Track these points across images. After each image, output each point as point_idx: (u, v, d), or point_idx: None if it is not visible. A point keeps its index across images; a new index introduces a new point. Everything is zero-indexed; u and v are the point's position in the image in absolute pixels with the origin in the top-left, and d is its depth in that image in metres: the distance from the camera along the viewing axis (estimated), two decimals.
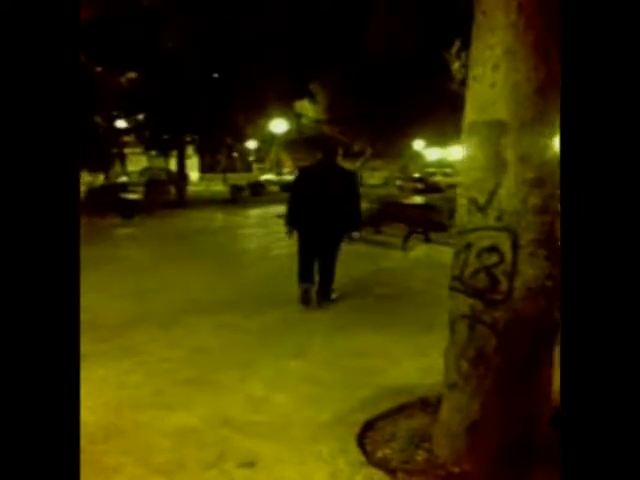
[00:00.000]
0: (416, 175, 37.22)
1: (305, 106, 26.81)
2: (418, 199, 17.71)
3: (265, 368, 4.18)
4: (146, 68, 19.13)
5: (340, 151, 22.58)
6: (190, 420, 3.30)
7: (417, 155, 43.13)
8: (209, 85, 19.89)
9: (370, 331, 5.08)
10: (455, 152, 43.80)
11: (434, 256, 9.46)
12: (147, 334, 4.96)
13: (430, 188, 30.53)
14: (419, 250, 9.98)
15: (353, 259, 9.00)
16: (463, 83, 12.03)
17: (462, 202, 2.89)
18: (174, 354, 4.46)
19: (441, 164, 44.82)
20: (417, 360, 4.36)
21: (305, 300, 5.96)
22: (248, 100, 20.82)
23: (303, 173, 6.47)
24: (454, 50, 17.87)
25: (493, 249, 2.74)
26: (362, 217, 6.58)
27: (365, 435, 3.19)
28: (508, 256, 2.70)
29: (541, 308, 2.69)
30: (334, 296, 6.22)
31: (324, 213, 5.81)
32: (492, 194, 2.73)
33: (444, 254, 9.65)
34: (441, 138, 35.37)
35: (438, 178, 36.33)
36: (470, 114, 2.84)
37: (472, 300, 2.80)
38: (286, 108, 26.26)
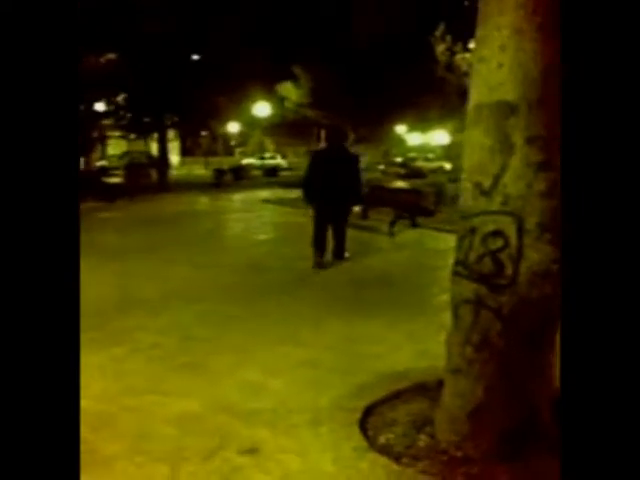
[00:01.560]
0: (398, 160, 37.25)
1: (288, 89, 26.50)
2: (402, 184, 17.71)
3: (260, 353, 4.15)
4: (125, 49, 18.73)
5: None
6: (190, 406, 3.25)
7: (399, 140, 43.10)
8: (190, 66, 19.57)
9: (364, 316, 5.06)
10: (437, 137, 43.96)
11: (421, 241, 9.50)
12: (136, 321, 4.88)
13: (413, 173, 30.61)
14: (406, 235, 9.99)
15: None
16: (448, 67, 11.98)
17: (466, 186, 2.86)
18: (166, 341, 4.40)
19: (423, 149, 44.95)
20: (412, 345, 4.35)
21: (320, 264, 7.03)
22: (229, 82, 20.55)
23: (316, 155, 7.65)
24: (438, 33, 17.88)
25: (498, 233, 2.72)
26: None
27: (366, 420, 3.17)
28: (513, 240, 2.68)
29: (546, 293, 2.67)
30: (347, 255, 7.43)
31: (334, 188, 6.82)
32: (497, 178, 2.71)
33: (431, 239, 9.71)
34: (423, 123, 35.34)
35: (420, 163, 36.45)
36: (476, 96, 2.80)
37: (476, 285, 2.78)
38: (269, 91, 26.01)
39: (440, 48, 17.45)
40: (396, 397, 3.47)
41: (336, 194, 6.87)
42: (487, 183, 2.73)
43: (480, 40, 2.79)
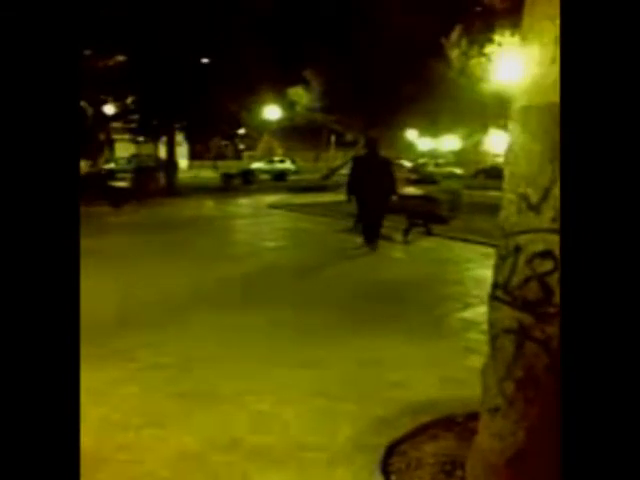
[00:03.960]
0: (409, 164, 36.82)
1: (299, 93, 26.21)
2: (414, 190, 17.32)
3: (269, 377, 3.78)
4: (135, 51, 18.49)
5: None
6: (190, 443, 2.90)
7: (409, 145, 42.73)
8: (199, 69, 19.30)
9: (380, 335, 4.69)
10: (447, 142, 43.58)
11: (436, 250, 9.12)
12: (138, 337, 4.54)
13: (424, 179, 30.18)
14: (421, 244, 9.62)
15: (353, 253, 8.64)
16: (461, 72, 11.56)
17: (510, 198, 2.50)
18: (169, 361, 4.05)
19: (433, 154, 44.54)
20: (433, 370, 3.98)
21: (372, 248, 8.78)
22: (239, 86, 20.27)
23: (357, 160, 9.89)
24: (454, 37, 17.50)
25: (547, 254, 2.35)
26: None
27: (388, 462, 2.81)
28: None
29: None
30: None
31: (372, 187, 8.64)
32: (547, 190, 2.34)
33: (447, 248, 9.34)
34: (434, 128, 34.97)
35: (430, 169, 36.03)
36: (523, 96, 2.44)
37: (520, 313, 2.42)
38: (279, 95, 25.70)
39: (454, 52, 17.06)
40: (420, 432, 3.11)
41: (372, 191, 8.62)
42: (536, 196, 2.37)
43: (527, 33, 2.43)
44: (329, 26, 22.77)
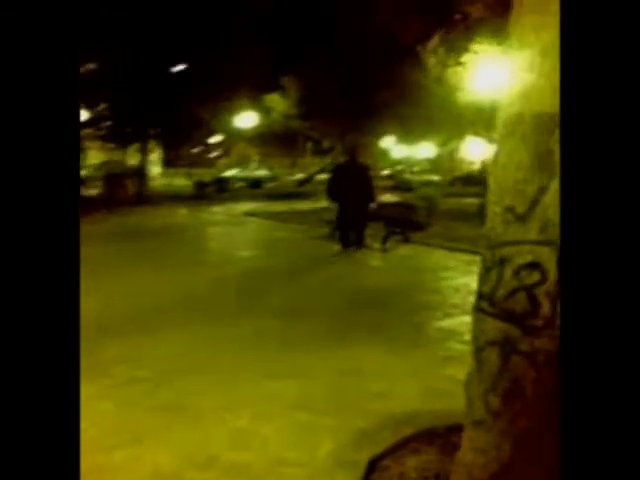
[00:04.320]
0: (385, 172, 37.00)
1: (275, 100, 26.12)
2: (391, 197, 17.37)
3: (248, 391, 3.68)
4: (107, 58, 18.17)
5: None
6: (166, 461, 2.79)
7: (384, 152, 42.94)
8: (174, 76, 19.09)
9: (360, 344, 4.63)
10: (423, 150, 43.93)
11: (414, 257, 9.11)
12: (113, 349, 4.39)
13: (401, 186, 30.36)
14: (399, 251, 9.60)
15: (332, 261, 8.59)
16: (438, 80, 11.66)
17: (495, 209, 2.45)
18: (145, 375, 3.92)
19: (409, 162, 44.87)
20: (414, 380, 3.93)
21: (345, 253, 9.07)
22: (216, 93, 20.11)
23: (337, 167, 10.20)
24: (431, 45, 17.64)
25: (534, 266, 2.31)
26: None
27: (369, 478, 2.74)
28: (552, 275, 2.27)
29: None
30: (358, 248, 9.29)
31: (352, 192, 9.06)
32: (535, 201, 2.31)
33: (425, 255, 9.35)
34: (410, 135, 35.20)
35: (407, 175, 36.25)
36: (509, 107, 2.41)
37: (506, 325, 2.37)
38: (255, 102, 25.60)
39: (432, 61, 17.19)
40: (402, 446, 3.04)
41: (352, 197, 9.07)
42: (522, 207, 2.33)
43: (516, 42, 2.40)
44: (306, 33, 22.79)
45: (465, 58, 16.12)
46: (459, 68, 16.38)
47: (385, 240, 9.94)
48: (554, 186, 2.25)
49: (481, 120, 21.76)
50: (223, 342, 4.64)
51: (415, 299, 6.27)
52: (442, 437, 3.10)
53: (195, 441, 3.01)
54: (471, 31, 16.01)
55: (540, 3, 2.28)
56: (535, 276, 2.30)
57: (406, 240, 10.38)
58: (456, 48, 16.35)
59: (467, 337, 4.88)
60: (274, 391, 3.68)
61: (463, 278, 7.41)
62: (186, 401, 3.51)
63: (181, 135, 22.59)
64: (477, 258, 8.75)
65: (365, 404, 3.49)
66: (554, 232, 2.27)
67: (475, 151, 40.83)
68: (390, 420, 3.28)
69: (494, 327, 2.42)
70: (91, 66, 19.13)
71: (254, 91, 24.51)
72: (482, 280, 2.52)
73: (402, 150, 45.03)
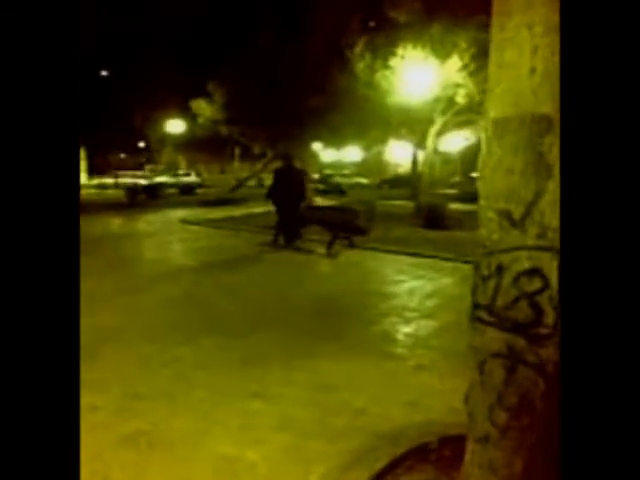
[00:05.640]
0: (316, 176, 37.08)
1: (202, 106, 25.50)
2: (327, 201, 17.34)
3: (225, 414, 3.43)
4: None
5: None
6: None
7: (314, 156, 43.03)
8: (101, 82, 18.31)
9: (326, 356, 4.47)
10: (350, 153, 44.42)
11: (362, 262, 9.06)
12: None
13: (332, 189, 30.51)
14: (346, 256, 9.52)
15: (281, 269, 8.38)
16: (368, 84, 11.71)
17: (488, 215, 2.37)
18: (106, 401, 3.59)
19: (337, 165, 45.24)
20: (392, 392, 3.82)
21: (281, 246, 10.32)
22: (141, 99, 19.48)
23: (277, 171, 11.05)
24: (358, 50, 17.76)
25: (534, 272, 2.24)
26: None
27: None
28: (554, 280, 2.21)
29: None
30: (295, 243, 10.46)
31: (289, 193, 10.42)
32: (531, 205, 2.24)
33: (372, 260, 9.32)
34: (338, 139, 35.39)
35: (337, 179, 36.52)
36: (497, 109, 2.32)
37: (509, 335, 2.29)
38: (182, 108, 24.95)
39: (361, 65, 17.30)
40: (396, 466, 2.92)
41: (288, 197, 10.39)
42: (518, 212, 2.26)
43: (499, 42, 2.32)
44: (231, 36, 22.44)
45: (392, 62, 16.33)
46: (388, 72, 16.56)
47: (330, 245, 9.85)
48: (550, 189, 2.20)
49: (407, 123, 22.21)
50: (184, 362, 4.35)
51: (374, 305, 6.18)
52: (434, 452, 3.00)
53: (171, 474, 2.75)
54: (395, 35, 16.26)
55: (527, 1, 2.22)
56: (536, 283, 2.24)
57: (351, 245, 10.33)
58: (382, 53, 16.54)
59: (433, 342, 4.89)
60: (251, 412, 3.46)
61: (415, 281, 7.41)
62: (156, 428, 3.23)
63: (110, 141, 21.68)
64: (424, 260, 8.86)
65: (349, 422, 3.34)
66: (554, 236, 2.21)
67: (400, 154, 41.68)
68: (378, 438, 3.15)
69: (496, 338, 2.33)
70: None
71: (181, 96, 23.93)
72: (478, 289, 2.43)
73: (330, 154, 45.32)
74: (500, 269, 2.32)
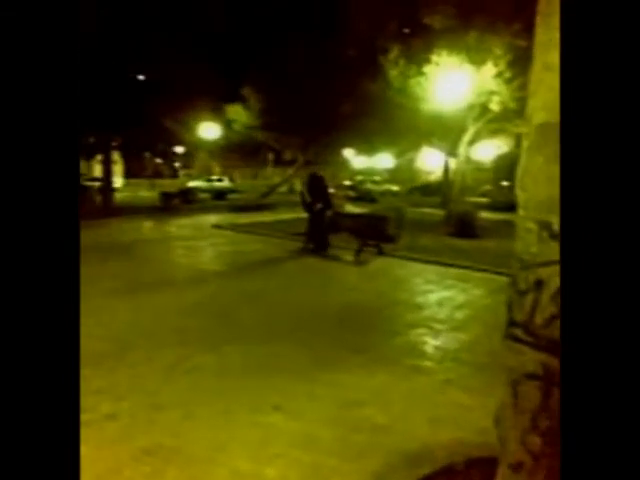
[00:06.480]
0: (347, 183, 36.98)
1: (237, 111, 25.68)
2: (357, 208, 17.20)
3: (243, 428, 3.34)
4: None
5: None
6: None
7: (345, 163, 42.99)
8: (137, 86, 18.57)
9: (351, 369, 4.34)
10: (382, 160, 44.17)
11: (391, 271, 8.90)
12: (88, 380, 3.97)
13: (363, 196, 30.35)
14: (374, 264, 9.37)
15: (307, 275, 8.29)
16: (401, 91, 11.56)
17: (528, 226, 2.22)
18: (126, 409, 3.53)
19: (369, 172, 45.05)
20: (417, 408, 3.67)
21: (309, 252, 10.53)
22: (176, 103, 19.68)
23: (308, 179, 11.17)
24: (392, 56, 17.62)
25: None
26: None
27: None
28: None
29: None
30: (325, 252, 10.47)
31: (314, 201, 10.68)
32: None
33: (402, 268, 9.15)
34: (370, 146, 35.27)
35: (368, 186, 36.32)
36: (540, 114, 2.18)
37: (546, 356, 2.14)
38: (217, 113, 25.17)
39: (394, 72, 17.15)
40: None
41: (316, 204, 10.65)
42: (559, 224, 2.11)
43: (544, 43, 2.18)
44: (267, 43, 22.55)
45: (426, 69, 16.15)
46: (421, 79, 16.38)
47: (359, 253, 9.72)
48: None
49: (438, 131, 21.96)
50: (203, 371, 4.27)
51: (402, 316, 6.02)
52: (460, 474, 2.84)
53: None
54: (430, 42, 16.09)
55: None
56: None
57: (380, 252, 10.18)
58: (416, 59, 16.38)
59: (462, 356, 4.71)
60: (271, 427, 3.35)
61: (444, 292, 7.23)
62: (174, 441, 3.15)
63: (144, 146, 21.97)
64: (453, 270, 8.63)
65: (371, 440, 3.20)
66: None
67: (432, 161, 41.28)
68: (403, 457, 3.01)
69: (533, 358, 2.18)
70: None
71: (215, 101, 24.14)
72: (514, 305, 2.29)
73: (362, 161, 45.16)
74: (539, 284, 2.18)
